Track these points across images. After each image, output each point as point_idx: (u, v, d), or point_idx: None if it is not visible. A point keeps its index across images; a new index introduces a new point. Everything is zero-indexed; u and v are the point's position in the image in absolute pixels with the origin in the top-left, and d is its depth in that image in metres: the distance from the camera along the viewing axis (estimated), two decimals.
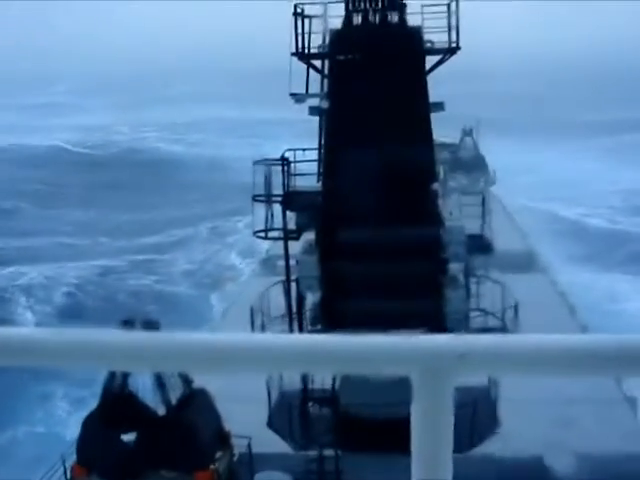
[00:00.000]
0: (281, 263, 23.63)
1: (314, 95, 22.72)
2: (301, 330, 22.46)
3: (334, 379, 20.60)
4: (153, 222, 54.09)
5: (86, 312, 40.36)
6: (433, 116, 21.80)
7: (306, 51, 22.22)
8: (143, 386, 17.54)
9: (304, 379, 21.51)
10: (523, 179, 66.10)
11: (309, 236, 22.26)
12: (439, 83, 22.15)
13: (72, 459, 18.16)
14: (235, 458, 19.17)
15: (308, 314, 22.67)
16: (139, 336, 1.62)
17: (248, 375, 1.65)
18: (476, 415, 19.07)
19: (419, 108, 21.43)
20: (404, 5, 21.91)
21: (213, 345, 1.60)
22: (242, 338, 1.61)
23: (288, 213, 22.20)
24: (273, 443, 20.85)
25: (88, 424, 17.88)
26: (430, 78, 21.90)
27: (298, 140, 23.30)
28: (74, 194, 61.98)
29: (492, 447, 20.36)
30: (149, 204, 59.01)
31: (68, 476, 18.12)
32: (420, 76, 21.62)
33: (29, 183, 65.82)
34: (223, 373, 1.65)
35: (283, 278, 23.07)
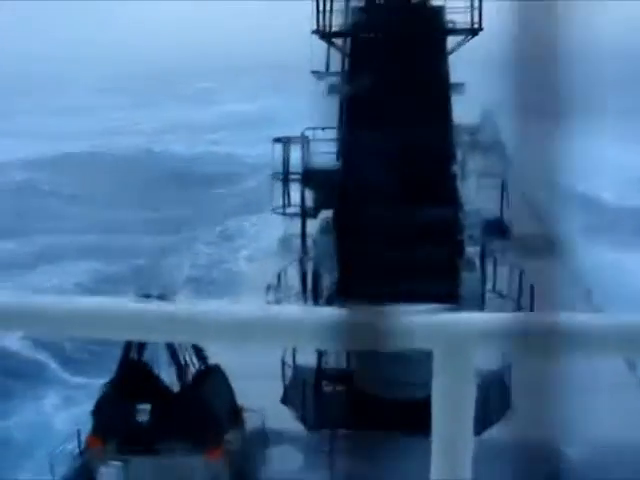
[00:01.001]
0: (298, 242, 23.65)
1: (335, 74, 22.63)
2: None
3: (349, 358, 20.64)
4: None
5: None
6: (453, 97, 21.69)
7: (327, 29, 22.11)
8: (158, 361, 17.67)
9: (319, 357, 21.56)
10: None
11: (326, 215, 22.25)
12: (461, 64, 22.01)
13: (87, 430, 18.34)
14: (248, 434, 19.29)
15: (324, 293, 22.69)
16: (154, 307, 1.63)
17: (264, 348, 1.65)
18: (488, 398, 19.09)
19: (439, 89, 21.32)
20: None
21: (230, 317, 1.60)
22: (259, 310, 1.62)
23: (306, 191, 22.19)
24: (287, 419, 20.95)
25: (104, 395, 18.04)
26: (452, 59, 21.76)
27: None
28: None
29: (503, 431, 20.39)
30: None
31: (83, 446, 18.30)
32: (441, 56, 21.49)
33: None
34: (239, 345, 1.65)
35: (300, 257, 23.10)
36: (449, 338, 1.57)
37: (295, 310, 1.61)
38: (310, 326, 1.59)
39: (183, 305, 1.63)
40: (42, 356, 32.08)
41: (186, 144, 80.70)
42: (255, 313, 1.60)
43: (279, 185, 22.32)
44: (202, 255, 49.30)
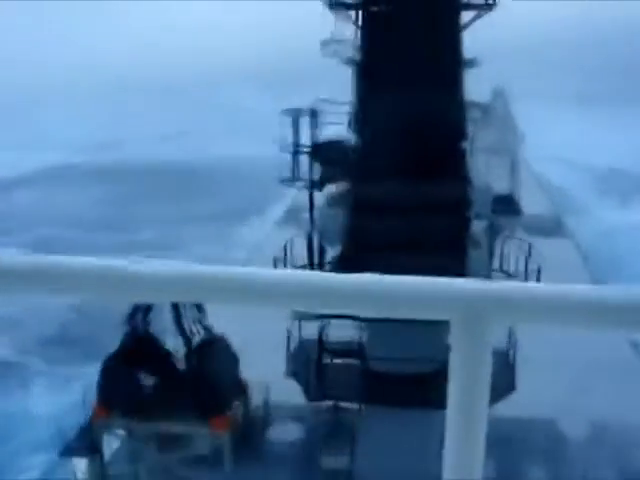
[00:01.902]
0: (305, 215, 23.60)
1: (343, 41, 22.43)
2: None
3: (359, 334, 20.60)
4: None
5: None
6: (466, 73, 21.54)
7: (339, 1, 21.95)
8: (163, 331, 17.67)
9: (321, 330, 21.55)
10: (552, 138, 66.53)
11: (333, 188, 22.18)
12: (476, 39, 21.85)
13: (93, 400, 18.40)
14: (252, 405, 19.34)
15: (328, 267, 22.68)
16: (158, 267, 1.58)
17: (271, 310, 1.61)
18: (492, 376, 19.04)
19: (452, 64, 21.16)
20: None
21: (235, 277, 1.56)
22: (265, 273, 1.58)
23: (314, 164, 22.12)
24: (290, 392, 20.98)
25: (109, 364, 18.06)
26: (466, 34, 21.60)
27: None
28: None
29: (506, 409, 20.39)
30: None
31: (89, 416, 18.36)
32: (454, 31, 21.32)
33: None
34: (247, 306, 1.61)
35: (306, 229, 23.06)
36: (466, 307, 1.53)
37: (304, 275, 1.57)
38: (322, 290, 1.55)
39: (186, 266, 1.59)
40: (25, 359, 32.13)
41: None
42: (263, 274, 1.56)
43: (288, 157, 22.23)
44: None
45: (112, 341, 18.12)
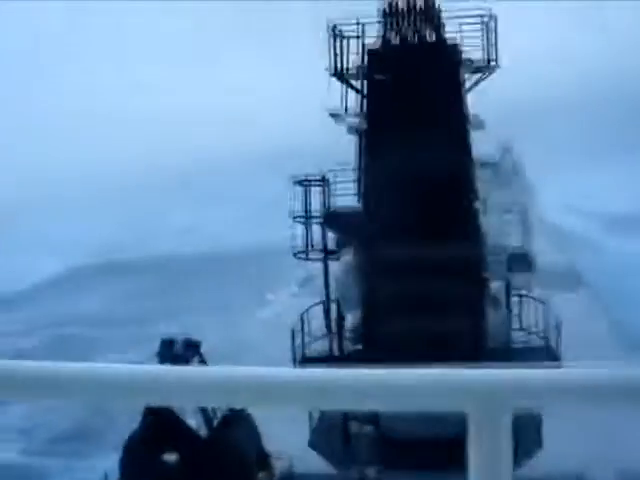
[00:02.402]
0: (321, 282, 23.62)
1: (352, 114, 22.73)
2: (341, 350, 22.37)
3: None
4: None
5: None
6: (474, 134, 21.73)
7: (343, 71, 22.27)
8: (184, 407, 17.57)
9: None
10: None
11: (348, 256, 22.22)
12: (480, 100, 22.10)
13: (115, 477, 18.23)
14: (277, 478, 19.12)
15: (348, 334, 22.59)
16: (175, 371, 1.61)
17: (289, 410, 1.63)
18: (519, 435, 18.82)
19: (458, 126, 21.35)
20: (442, 23, 21.90)
21: (259, 379, 1.58)
22: (287, 373, 1.59)
23: (328, 233, 22.21)
24: (315, 463, 20.76)
25: (131, 444, 17.95)
26: (470, 96, 21.85)
27: None
28: None
29: (535, 468, 20.07)
30: None
31: None
32: (459, 94, 21.56)
33: None
34: (270, 408, 1.63)
35: (323, 298, 23.04)
36: (482, 399, 1.52)
37: (323, 372, 1.59)
38: (337, 389, 1.57)
39: (210, 369, 1.61)
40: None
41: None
42: (281, 376, 1.58)
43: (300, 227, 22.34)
44: None
45: (126, 430, 18.08)
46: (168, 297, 55.30)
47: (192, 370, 1.63)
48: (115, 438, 20.38)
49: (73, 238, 75.57)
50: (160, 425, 17.47)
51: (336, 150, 23.93)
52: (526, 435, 19.97)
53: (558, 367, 1.60)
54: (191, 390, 1.61)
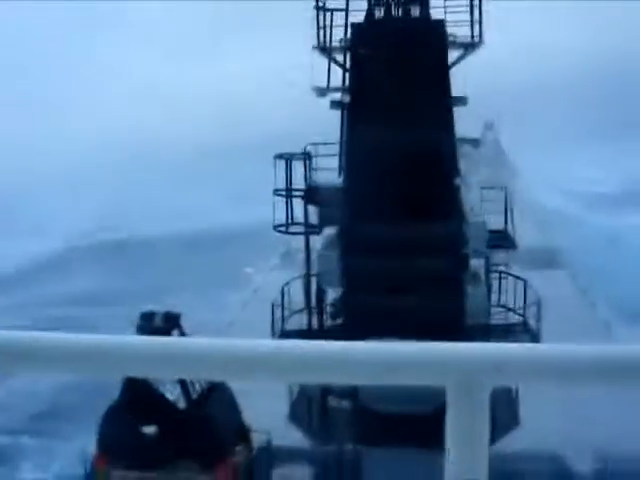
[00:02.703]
0: (301, 257, 23.63)
1: (336, 89, 22.66)
2: (321, 325, 22.44)
3: None
4: None
5: None
6: (456, 110, 21.71)
7: (327, 45, 22.18)
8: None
9: None
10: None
11: (330, 231, 22.22)
12: (463, 76, 22.05)
13: (93, 449, 18.25)
14: (255, 451, 19.20)
15: (328, 309, 22.66)
16: (154, 342, 1.59)
17: (269, 383, 1.62)
18: (496, 411, 18.98)
19: (441, 102, 21.33)
20: None
21: (234, 352, 1.57)
22: (265, 345, 1.58)
23: (309, 207, 22.18)
24: (293, 437, 20.87)
25: (110, 414, 17.96)
26: (453, 72, 21.80)
27: None
28: None
29: (511, 444, 20.28)
30: None
31: (89, 466, 18.22)
32: (442, 70, 21.52)
33: None
34: (245, 381, 1.62)
35: (303, 272, 23.07)
36: (462, 373, 1.52)
37: (302, 345, 1.58)
38: (317, 361, 1.56)
39: (185, 340, 1.60)
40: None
41: None
42: (260, 348, 1.57)
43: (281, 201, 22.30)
44: None
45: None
46: (156, 276, 55.21)
47: (170, 341, 1.62)
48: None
49: (62, 218, 75.17)
50: (139, 397, 17.48)
51: (325, 126, 23.86)
52: (503, 412, 20.17)
53: (536, 344, 1.61)
54: (169, 361, 1.60)
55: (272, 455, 19.49)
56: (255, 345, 1.58)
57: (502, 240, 23.14)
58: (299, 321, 22.88)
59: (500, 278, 24.36)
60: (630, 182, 73.12)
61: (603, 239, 53.77)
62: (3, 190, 79.86)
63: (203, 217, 73.09)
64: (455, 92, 21.77)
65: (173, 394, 17.74)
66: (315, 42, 22.11)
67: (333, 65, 22.58)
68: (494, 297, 23.53)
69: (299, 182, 22.30)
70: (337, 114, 22.96)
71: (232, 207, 75.02)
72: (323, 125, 23.88)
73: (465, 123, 23.12)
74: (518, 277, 24.56)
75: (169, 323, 17.73)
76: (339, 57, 22.52)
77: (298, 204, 22.42)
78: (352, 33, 21.70)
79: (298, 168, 22.22)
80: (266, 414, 19.55)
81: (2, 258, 60.49)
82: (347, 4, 21.67)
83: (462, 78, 22.16)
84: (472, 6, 21.51)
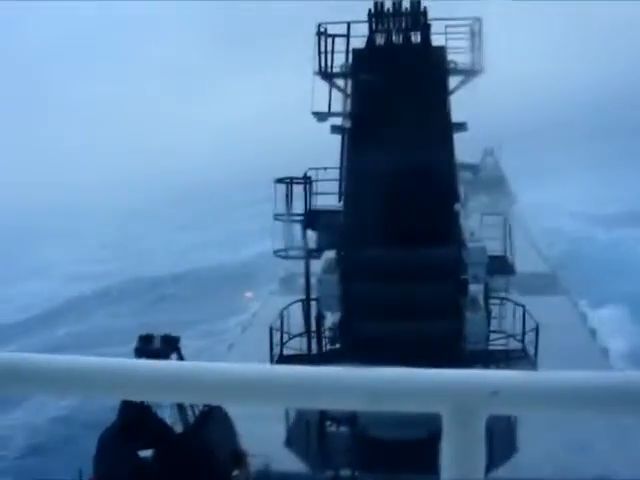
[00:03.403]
0: (300, 282, 23.62)
1: (336, 114, 22.75)
2: (320, 350, 22.39)
3: None
4: None
5: None
6: (456, 136, 21.78)
7: (328, 70, 22.28)
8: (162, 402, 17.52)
9: None
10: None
11: (330, 255, 22.23)
12: (463, 103, 22.16)
13: (89, 473, 18.14)
14: (252, 477, 19.08)
15: (327, 333, 22.61)
16: (152, 365, 1.59)
17: (265, 407, 1.61)
18: (493, 440, 18.89)
19: (441, 128, 21.41)
20: (428, 25, 21.94)
21: (231, 376, 1.56)
22: (264, 370, 1.58)
23: (309, 232, 22.19)
24: (291, 462, 20.77)
25: (106, 438, 17.87)
26: (453, 98, 21.90)
27: None
28: None
29: (508, 472, 20.17)
30: None
31: None
32: (443, 96, 21.61)
33: None
34: (241, 405, 1.61)
35: (303, 296, 23.04)
36: (457, 399, 1.52)
37: (301, 370, 1.57)
38: (313, 387, 1.56)
39: (184, 364, 1.60)
40: None
41: None
42: (257, 373, 1.56)
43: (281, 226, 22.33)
44: None
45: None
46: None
47: (168, 365, 1.61)
48: None
49: (62, 260, 74.98)
50: (136, 420, 17.39)
51: (326, 151, 23.96)
52: (500, 439, 20.07)
53: (533, 371, 1.60)
54: (167, 385, 1.60)
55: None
56: (251, 370, 1.58)
57: (501, 266, 23.11)
58: (298, 345, 22.83)
59: (499, 304, 24.32)
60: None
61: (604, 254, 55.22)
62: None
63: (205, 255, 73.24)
64: (455, 118, 21.85)
65: (170, 418, 17.65)
66: (316, 67, 22.21)
67: (334, 90, 22.69)
68: (493, 323, 23.48)
69: (299, 207, 22.34)
70: (337, 139, 23.05)
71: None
72: (323, 150, 23.98)
73: (465, 149, 23.20)
74: (517, 303, 24.52)
75: (167, 346, 17.67)
76: (340, 82, 22.63)
77: (298, 229, 22.44)
78: (353, 59, 21.82)
79: (298, 193, 22.27)
80: (264, 439, 19.46)
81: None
82: (348, 30, 21.79)
83: (462, 104, 22.27)
84: (473, 33, 21.63)
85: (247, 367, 1.57)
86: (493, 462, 19.76)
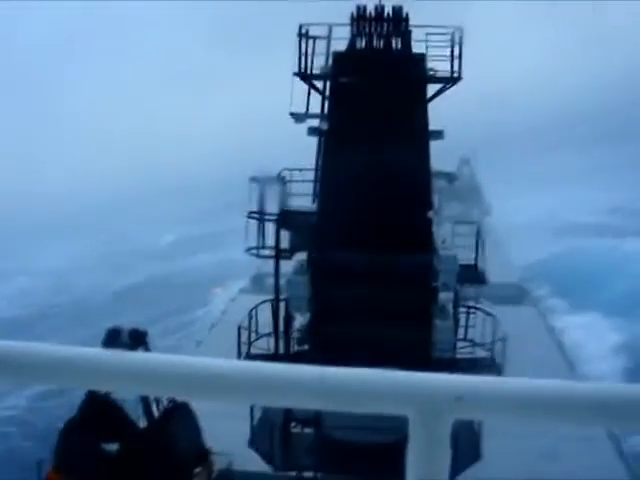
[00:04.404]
0: (271, 281, 23.59)
1: (314, 115, 22.76)
2: (287, 350, 22.38)
3: None
4: None
5: None
6: (432, 144, 21.86)
7: (308, 72, 22.29)
8: (126, 396, 17.42)
9: None
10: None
11: (301, 256, 22.23)
12: (441, 110, 22.25)
13: (48, 465, 17.99)
14: (214, 475, 19.03)
15: (295, 334, 22.59)
16: (117, 357, 1.58)
17: (229, 402, 1.60)
18: (458, 445, 18.98)
19: (418, 135, 21.48)
20: (409, 32, 22.02)
21: (196, 369, 1.55)
22: (230, 365, 1.57)
23: (282, 232, 22.18)
24: (254, 462, 20.73)
25: (67, 431, 17.73)
26: (431, 106, 21.98)
27: None
28: None
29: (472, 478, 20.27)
30: None
31: None
32: (420, 103, 21.69)
33: None
34: (204, 399, 1.61)
35: (272, 296, 23.01)
36: (424, 402, 1.52)
37: (265, 366, 1.57)
38: (278, 384, 1.55)
39: (148, 356, 1.59)
40: None
41: None
42: (229, 368, 1.56)
43: (254, 225, 22.30)
44: None
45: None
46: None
47: (133, 356, 1.60)
48: None
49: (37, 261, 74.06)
50: (99, 413, 17.28)
51: (301, 152, 23.96)
52: (465, 445, 20.18)
53: (499, 377, 1.61)
54: (130, 376, 1.58)
55: (232, 479, 19.34)
56: (217, 364, 1.57)
57: (472, 275, 23.21)
58: (266, 345, 22.80)
59: (468, 313, 24.42)
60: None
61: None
62: None
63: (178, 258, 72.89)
64: (432, 126, 21.93)
65: (134, 412, 17.56)
66: (296, 68, 22.21)
67: (312, 92, 22.69)
68: (461, 331, 23.58)
69: (271, 206, 22.33)
70: (314, 140, 23.06)
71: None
72: (299, 151, 23.96)
73: (441, 157, 23.28)
74: (487, 312, 24.65)
75: (135, 340, 17.58)
76: (319, 84, 22.64)
77: (270, 228, 22.43)
78: (334, 61, 21.84)
79: (272, 193, 22.25)
80: (228, 437, 19.41)
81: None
82: (330, 32, 21.81)
83: (439, 112, 22.36)
84: (453, 41, 21.72)
85: (213, 361, 1.57)
86: (457, 467, 19.87)
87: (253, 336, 23.03)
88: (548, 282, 49.99)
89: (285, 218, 21.99)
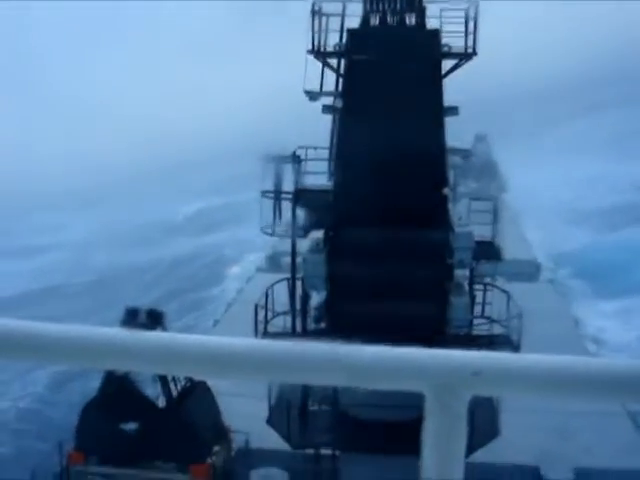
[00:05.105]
0: (287, 260, 23.61)
1: (328, 93, 22.67)
2: (304, 329, 22.43)
3: None
4: None
5: None
6: (447, 120, 21.75)
7: (322, 49, 22.18)
8: (145, 376, 17.54)
9: None
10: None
11: (317, 235, 22.22)
12: (456, 87, 22.12)
13: (69, 445, 18.17)
14: (233, 453, 19.17)
15: (312, 312, 22.64)
16: (135, 336, 1.59)
17: (247, 381, 1.61)
18: (475, 421, 19.00)
19: (433, 111, 21.37)
20: (423, 8, 21.85)
21: (213, 348, 1.56)
22: (246, 343, 1.58)
23: (297, 210, 22.17)
24: (272, 440, 20.84)
25: (88, 411, 17.89)
26: (446, 82, 21.85)
27: None
28: None
29: (490, 455, 20.31)
30: None
31: (64, 462, 18.13)
32: (435, 79, 21.56)
33: None
34: (223, 378, 1.61)
35: (288, 275, 23.04)
36: (440, 378, 1.52)
37: (283, 344, 1.58)
38: (295, 361, 1.56)
39: (166, 335, 1.60)
40: None
41: None
42: (246, 346, 1.56)
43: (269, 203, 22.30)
44: None
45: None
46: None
47: (151, 335, 1.61)
48: None
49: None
50: (118, 393, 17.42)
51: (316, 130, 23.89)
52: (483, 422, 20.19)
53: (517, 353, 1.60)
54: (149, 355, 1.60)
55: (250, 457, 19.47)
56: (235, 343, 1.58)
57: (488, 251, 23.15)
58: (282, 324, 22.86)
59: (484, 289, 24.38)
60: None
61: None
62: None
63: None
64: (447, 102, 21.81)
65: (153, 392, 17.70)
66: (310, 46, 22.10)
67: (326, 69, 22.59)
68: (477, 308, 23.55)
69: (286, 185, 22.31)
70: (328, 118, 22.99)
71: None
72: (314, 128, 23.91)
73: (456, 134, 23.16)
74: (502, 289, 24.59)
75: (153, 320, 17.70)
76: (333, 62, 22.53)
77: (286, 206, 22.41)
78: (347, 38, 21.72)
79: (286, 171, 22.23)
80: (246, 416, 19.53)
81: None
82: (343, 9, 21.69)
83: (455, 88, 22.23)
84: (467, 17, 21.55)
85: (230, 340, 1.58)
86: (474, 444, 19.91)
87: (270, 315, 23.08)
88: (570, 266, 49.25)
89: (300, 196, 21.97)
